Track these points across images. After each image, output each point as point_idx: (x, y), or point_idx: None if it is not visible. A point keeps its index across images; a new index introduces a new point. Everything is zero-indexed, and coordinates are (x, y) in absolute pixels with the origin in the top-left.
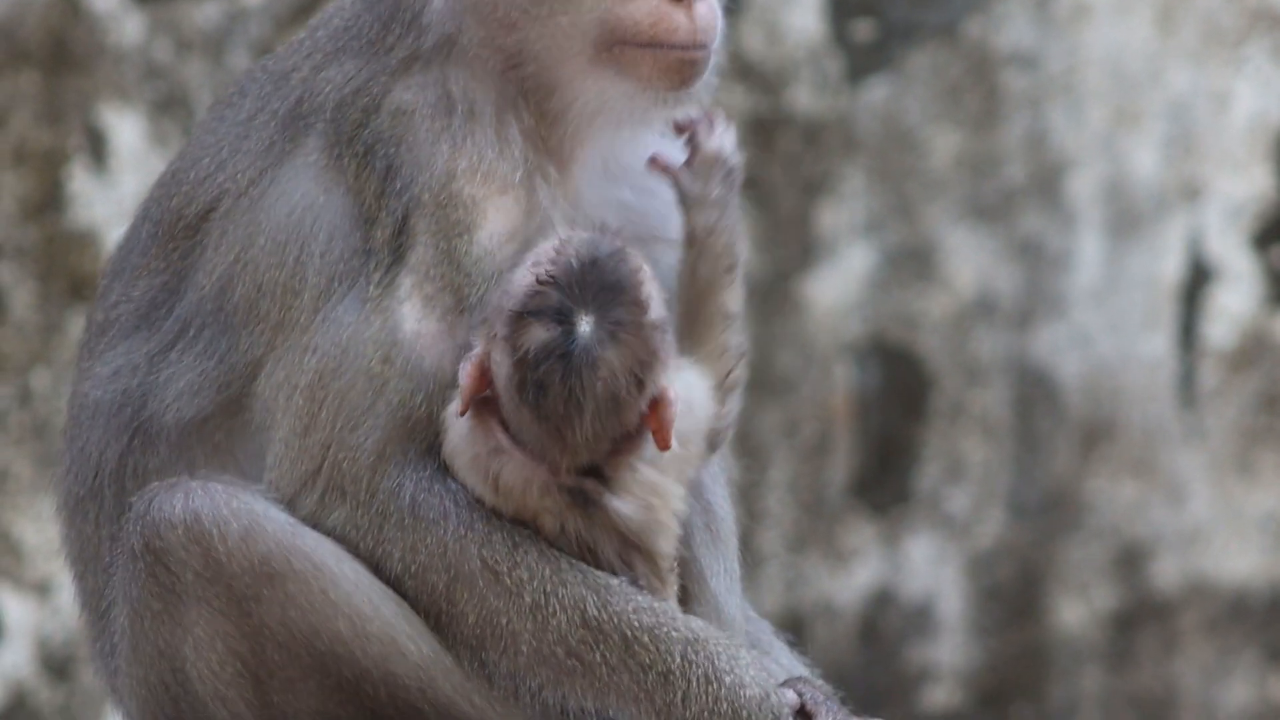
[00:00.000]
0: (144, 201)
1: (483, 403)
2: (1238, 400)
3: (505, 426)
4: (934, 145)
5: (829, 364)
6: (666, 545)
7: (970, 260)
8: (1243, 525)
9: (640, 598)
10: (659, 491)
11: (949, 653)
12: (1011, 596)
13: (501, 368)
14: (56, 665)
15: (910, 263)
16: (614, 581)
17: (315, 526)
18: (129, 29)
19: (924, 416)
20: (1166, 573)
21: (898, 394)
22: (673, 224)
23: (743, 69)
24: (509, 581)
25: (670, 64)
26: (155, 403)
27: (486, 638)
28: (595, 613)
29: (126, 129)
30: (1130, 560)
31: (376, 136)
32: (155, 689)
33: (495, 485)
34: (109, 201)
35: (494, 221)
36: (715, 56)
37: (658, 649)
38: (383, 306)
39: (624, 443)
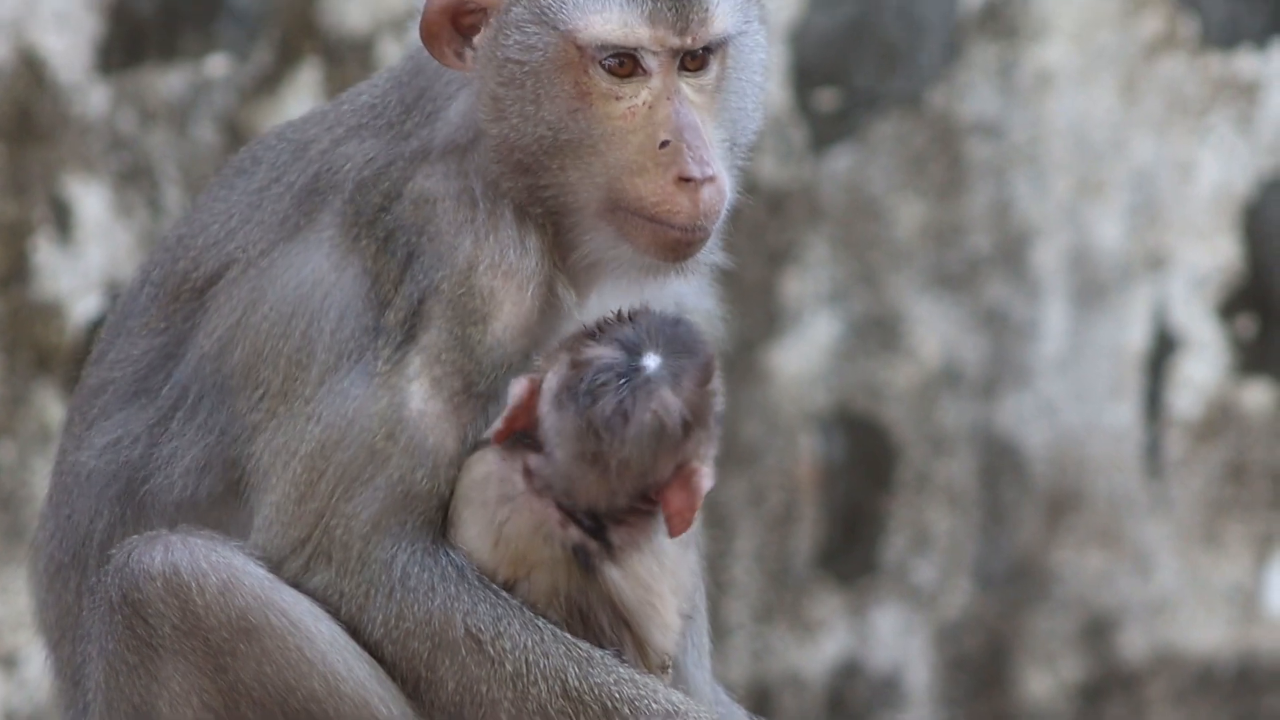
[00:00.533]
0: (143, 265)
1: (513, 443)
2: (1204, 470)
3: (528, 470)
4: (898, 214)
5: (794, 433)
6: (661, 638)
7: (935, 330)
8: (1210, 596)
9: (622, 669)
10: (654, 582)
11: None
12: (979, 667)
13: (555, 378)
14: None
15: (875, 332)
16: (597, 653)
17: (296, 588)
18: (93, 100)
19: (889, 486)
20: (1134, 643)
21: (863, 464)
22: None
23: None
24: (491, 650)
25: (667, 241)
26: (160, 478)
27: (465, 705)
28: (576, 683)
29: (92, 200)
30: (1097, 630)
31: (398, 222)
32: None
33: (498, 535)
34: (75, 273)
35: (508, 314)
36: (717, 232)
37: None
38: (391, 384)
39: (641, 506)
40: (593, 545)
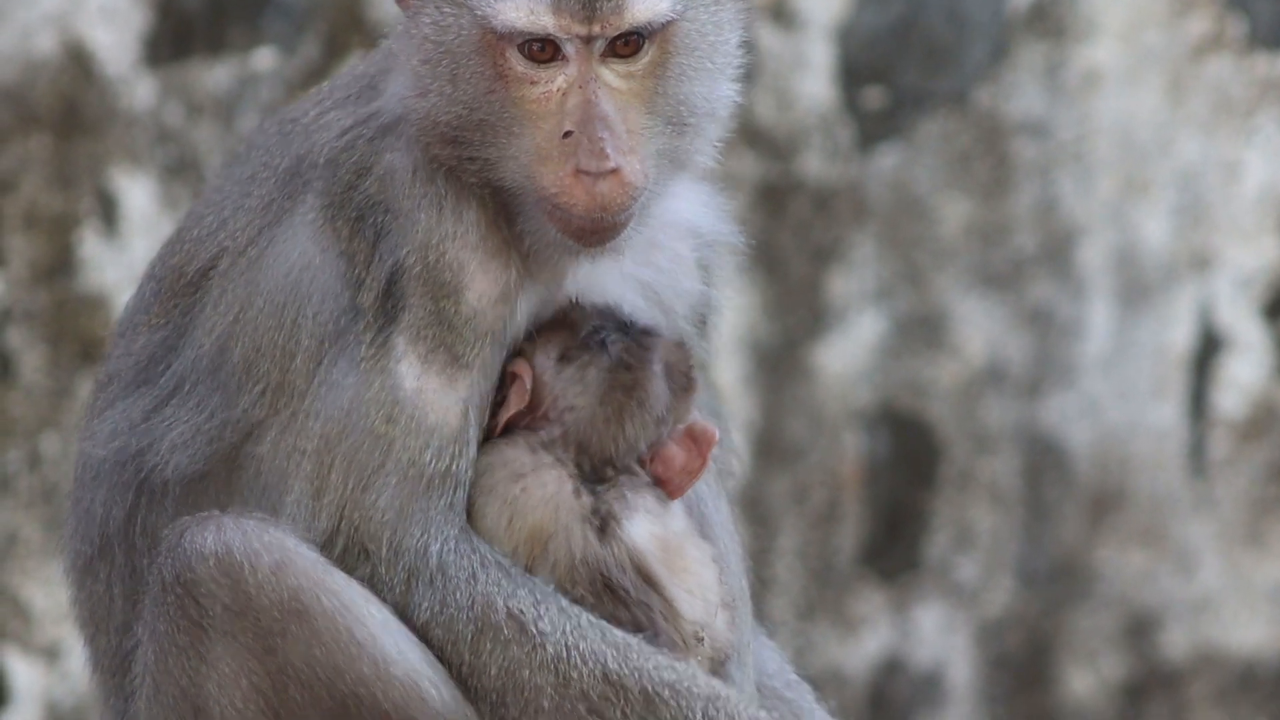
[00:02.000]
0: (151, 260)
1: (511, 423)
2: (1248, 470)
3: (534, 447)
4: (944, 213)
5: (838, 431)
6: (689, 604)
7: (980, 328)
8: (1252, 595)
9: (659, 656)
10: (673, 541)
11: None
12: (1020, 665)
13: (552, 351)
14: None
15: (920, 330)
16: (634, 639)
17: None
18: (140, 93)
19: (933, 484)
20: (1176, 642)
21: (907, 461)
22: (679, 295)
23: (754, 135)
24: (534, 631)
25: (573, 228)
26: (152, 457)
27: (508, 691)
28: (616, 667)
29: (137, 193)
30: (1139, 629)
31: (367, 200)
32: None
33: (512, 511)
34: (120, 265)
35: (481, 283)
36: (642, 209)
37: (679, 704)
38: (380, 367)
39: (655, 453)
40: (606, 507)
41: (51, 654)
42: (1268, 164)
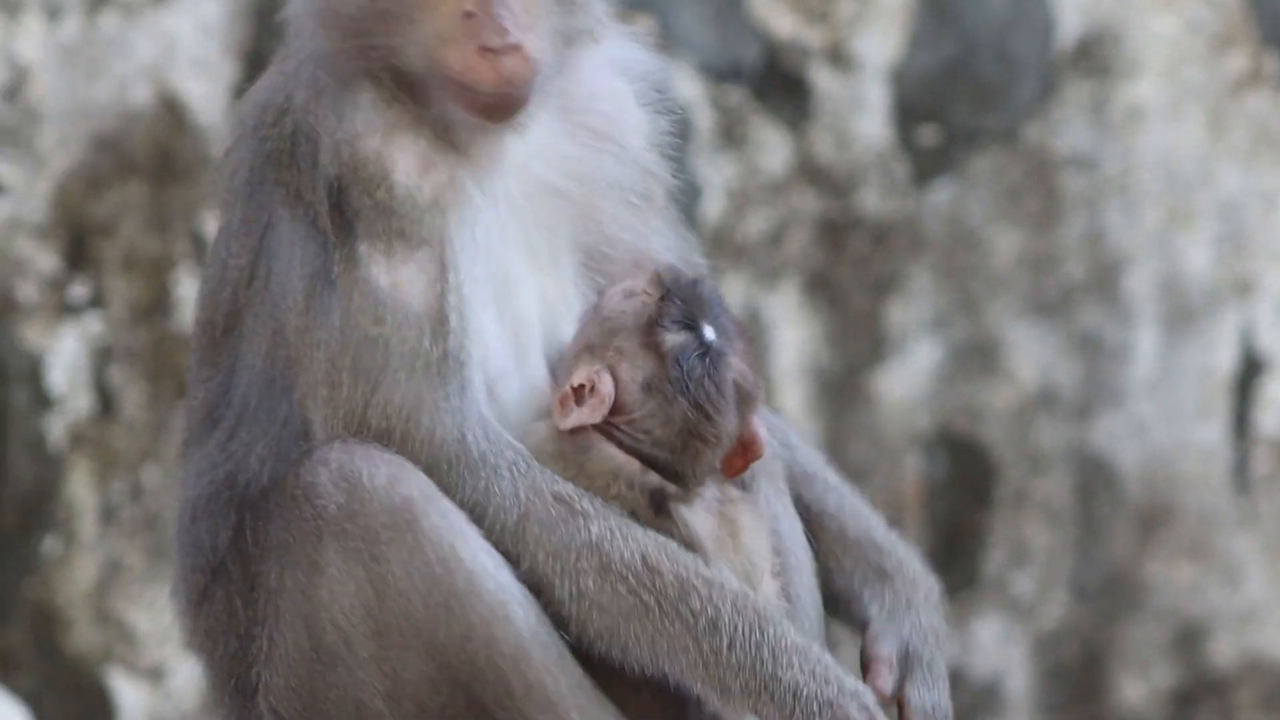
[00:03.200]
0: (193, 320)
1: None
2: None
3: (603, 433)
4: (996, 244)
5: (899, 454)
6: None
7: (1032, 354)
8: None
9: (691, 556)
10: (729, 520)
11: None
12: (1075, 675)
13: (638, 374)
14: None
15: (975, 357)
16: (672, 541)
17: None
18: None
19: (989, 504)
20: (1223, 651)
21: (964, 482)
22: (623, 127)
23: (813, 173)
24: (578, 507)
25: (480, 105)
26: (244, 475)
27: (554, 574)
28: (655, 556)
29: None
30: (1188, 639)
31: (290, 142)
32: (297, 674)
33: (577, 470)
34: None
35: (402, 162)
36: (542, 85)
37: (710, 594)
38: (354, 278)
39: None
40: (670, 489)
41: (155, 675)
42: None
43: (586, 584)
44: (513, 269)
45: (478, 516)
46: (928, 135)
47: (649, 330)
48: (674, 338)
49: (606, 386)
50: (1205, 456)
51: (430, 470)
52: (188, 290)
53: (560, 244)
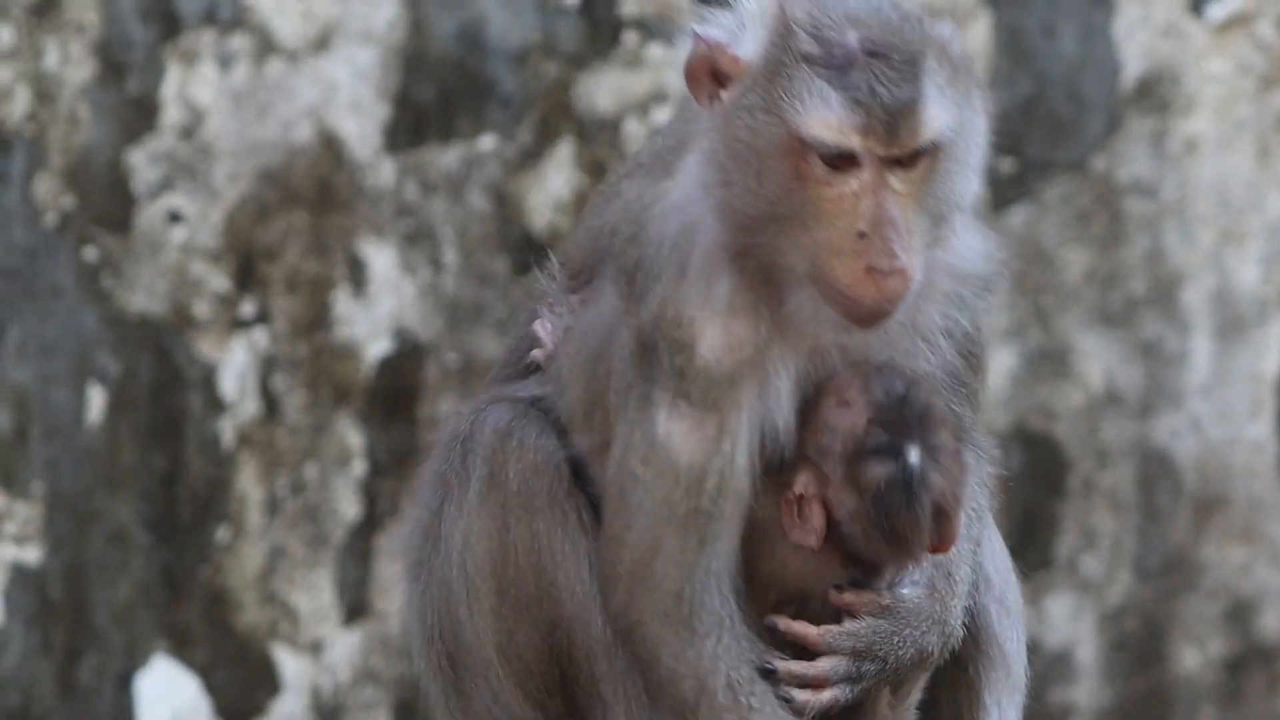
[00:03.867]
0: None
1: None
2: None
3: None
4: (1067, 262)
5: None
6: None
7: (1099, 360)
8: None
9: None
10: None
11: (1085, 695)
12: (1138, 646)
13: (847, 504)
14: (327, 713)
15: (1048, 363)
16: None
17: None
18: (383, 174)
19: (1062, 493)
20: (1271, 624)
21: (1039, 475)
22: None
23: None
24: (744, 704)
25: (855, 314)
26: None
27: None
28: None
29: (382, 259)
30: (1239, 614)
31: (637, 263)
32: (437, 605)
33: (782, 564)
34: (368, 320)
35: (713, 337)
36: (912, 297)
37: None
38: (641, 418)
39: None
40: (858, 573)
41: (315, 649)
42: None
43: None
44: (775, 436)
45: (654, 664)
46: (1006, 166)
47: (853, 461)
48: (875, 471)
49: (817, 519)
50: (1254, 450)
51: (642, 613)
52: (344, 308)
53: None
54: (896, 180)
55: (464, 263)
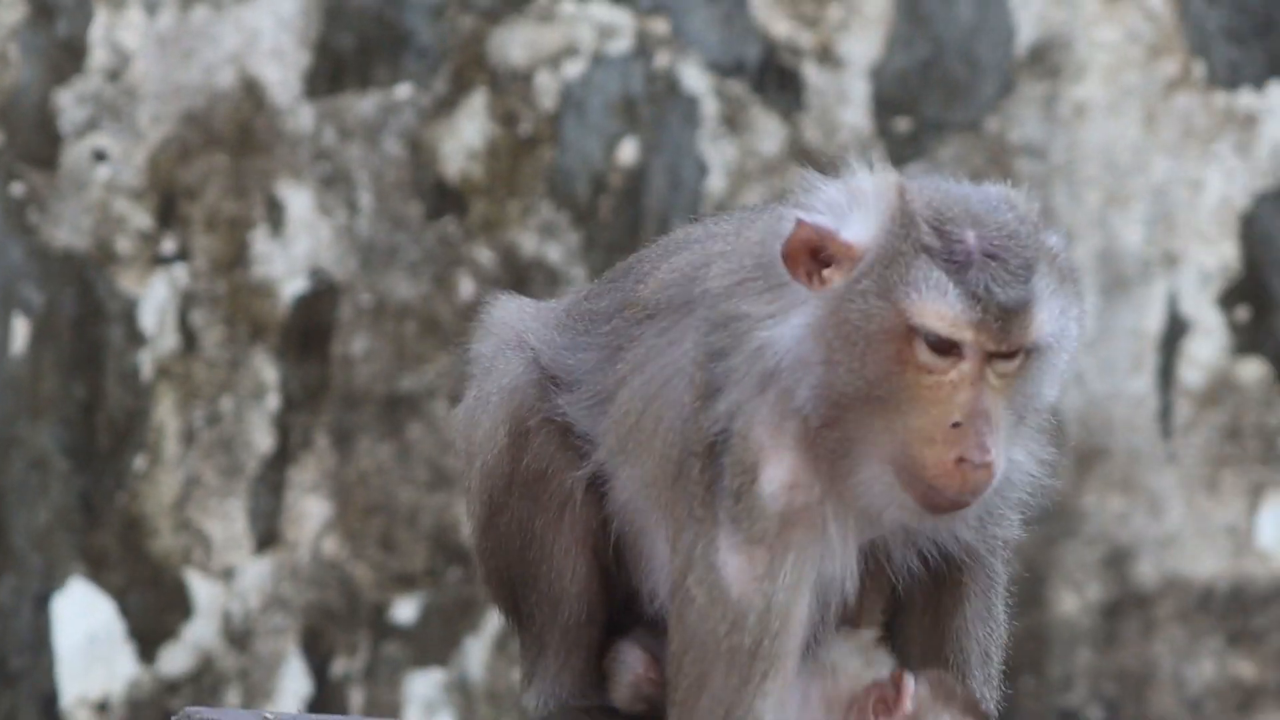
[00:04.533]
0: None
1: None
2: (1206, 431)
3: None
4: None
5: None
6: None
7: None
8: (1210, 533)
9: None
10: None
11: None
12: (1020, 589)
13: None
14: (237, 637)
15: None
16: None
17: None
18: (302, 119)
19: None
20: (1146, 571)
21: None
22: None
23: (803, 155)
24: None
25: (934, 503)
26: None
27: None
28: None
29: (299, 201)
30: (1117, 561)
31: (727, 374)
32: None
33: None
34: (285, 260)
35: (777, 475)
36: (987, 492)
37: None
38: (701, 527)
39: None
40: None
41: (227, 576)
42: (1225, 182)
43: None
44: (830, 588)
45: None
46: (902, 125)
47: None
48: None
49: None
50: (1135, 404)
51: None
52: (262, 248)
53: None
54: (994, 376)
55: (379, 206)
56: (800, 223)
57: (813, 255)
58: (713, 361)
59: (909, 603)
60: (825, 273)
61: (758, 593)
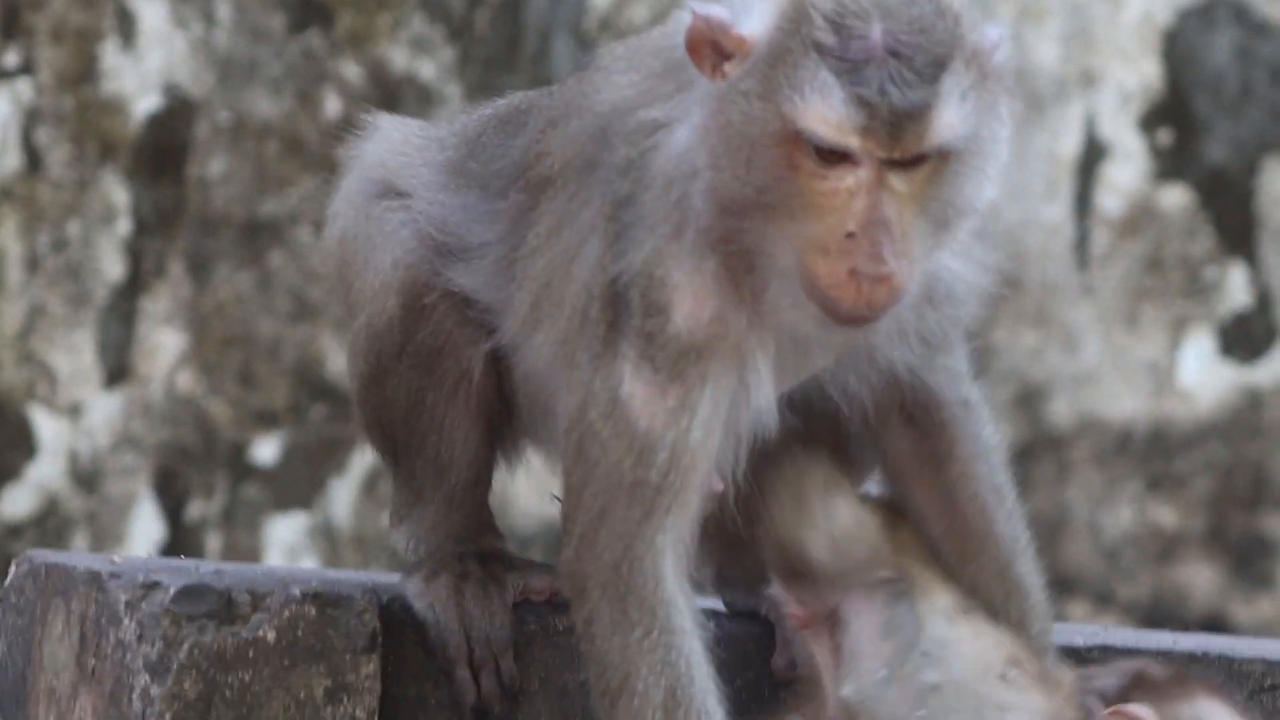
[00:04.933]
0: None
1: None
2: (1126, 262)
3: None
4: None
5: None
6: None
7: None
8: (1128, 370)
9: None
10: None
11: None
12: None
13: None
14: (85, 478)
15: None
16: None
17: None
18: None
19: None
20: (1061, 411)
21: None
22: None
23: None
24: (663, 714)
25: (834, 316)
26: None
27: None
28: None
29: (152, 12)
30: (1029, 400)
31: (630, 198)
32: None
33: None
34: (137, 75)
35: (690, 306)
36: (905, 307)
37: None
38: (606, 367)
39: None
40: None
41: (74, 412)
42: None
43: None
44: (752, 420)
45: (588, 636)
46: None
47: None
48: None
49: None
50: (1050, 233)
51: (585, 578)
52: (112, 61)
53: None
54: (897, 181)
55: (238, 18)
56: (694, 14)
57: (713, 48)
58: (620, 209)
59: (914, 499)
60: (726, 67)
61: (669, 426)
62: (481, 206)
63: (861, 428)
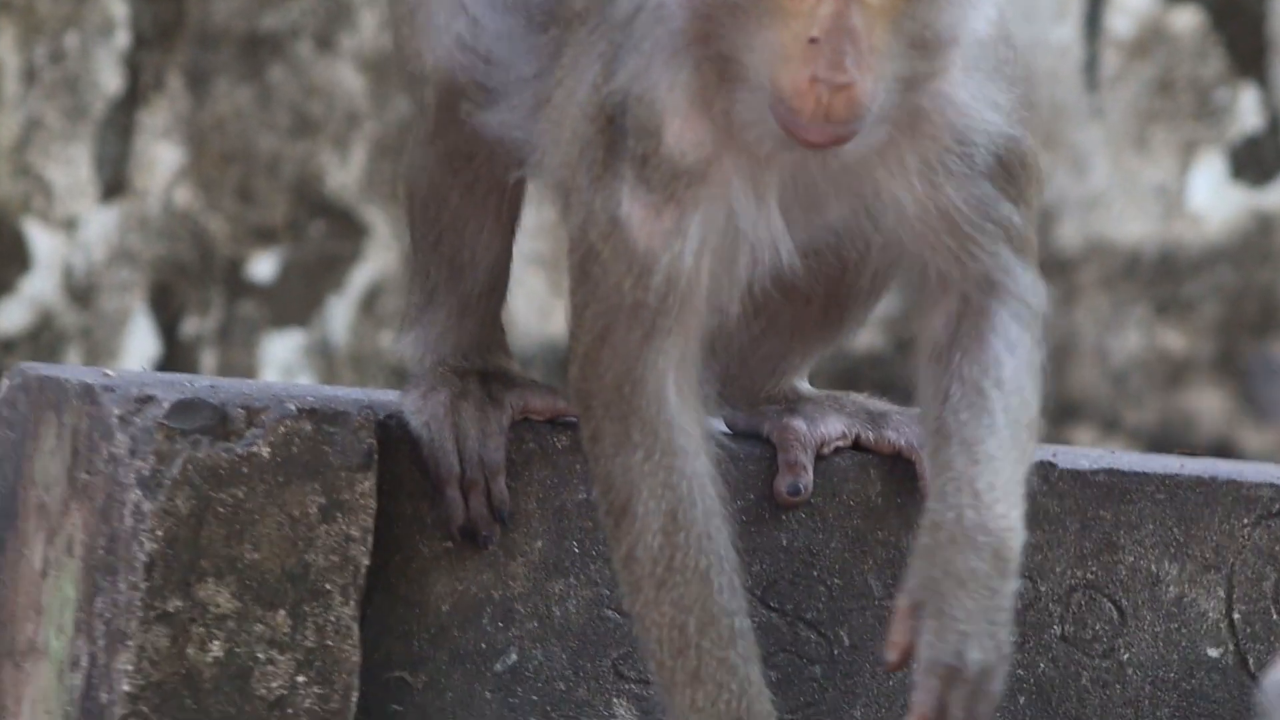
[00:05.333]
0: None
1: None
2: (1135, 84)
3: None
4: None
5: None
6: None
7: None
8: (1137, 193)
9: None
10: None
11: (882, 305)
12: None
13: None
14: (80, 293)
15: None
16: (746, 626)
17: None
18: None
19: None
20: (1069, 234)
21: None
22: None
23: None
24: (663, 538)
25: (794, 129)
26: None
27: (622, 566)
28: (694, 636)
29: None
30: (1038, 223)
31: (621, 20)
32: None
33: None
34: None
35: (678, 129)
36: (875, 125)
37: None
38: (606, 188)
39: None
40: None
41: (70, 226)
42: None
43: (637, 599)
44: (751, 253)
45: (594, 455)
46: None
47: None
48: None
49: None
50: (1059, 54)
51: (590, 396)
52: None
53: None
54: None
55: None
56: None
57: None
58: (617, 30)
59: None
60: None
61: (665, 248)
62: (523, 38)
63: (868, 288)
